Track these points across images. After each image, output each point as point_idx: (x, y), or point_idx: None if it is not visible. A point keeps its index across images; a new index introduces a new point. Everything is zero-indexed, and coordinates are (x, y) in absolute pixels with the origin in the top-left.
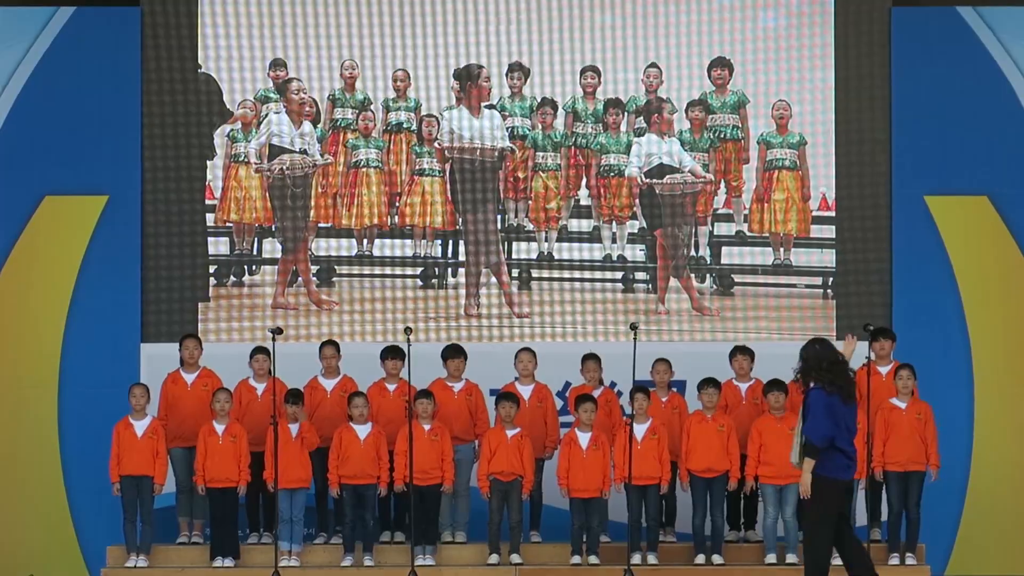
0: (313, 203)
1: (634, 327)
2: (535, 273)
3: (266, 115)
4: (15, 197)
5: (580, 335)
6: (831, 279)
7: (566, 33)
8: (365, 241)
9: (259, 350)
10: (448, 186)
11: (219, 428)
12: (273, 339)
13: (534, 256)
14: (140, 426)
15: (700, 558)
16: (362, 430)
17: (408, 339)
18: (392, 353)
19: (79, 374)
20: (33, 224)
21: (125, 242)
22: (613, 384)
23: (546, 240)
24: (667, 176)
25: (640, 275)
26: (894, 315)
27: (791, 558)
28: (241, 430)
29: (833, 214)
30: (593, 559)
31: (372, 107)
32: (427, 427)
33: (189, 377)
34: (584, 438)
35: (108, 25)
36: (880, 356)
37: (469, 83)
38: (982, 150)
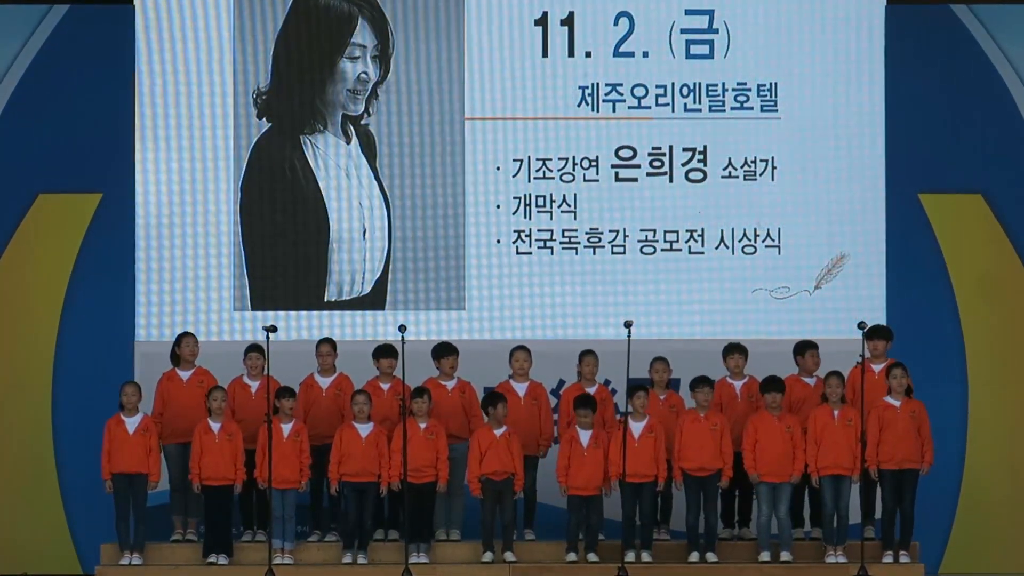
0: None
1: (628, 324)
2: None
3: None
4: (9, 195)
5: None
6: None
7: None
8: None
9: (253, 348)
10: None
11: (214, 426)
12: (267, 337)
13: None
14: (132, 423)
15: (694, 556)
16: (364, 428)
17: (402, 337)
18: (385, 352)
19: (73, 372)
20: (27, 222)
21: (119, 240)
22: (608, 382)
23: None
24: None
25: None
26: (888, 312)
27: (785, 556)
28: (236, 428)
29: None
30: (592, 556)
31: None
32: (423, 425)
33: (184, 374)
34: (585, 436)
35: (102, 23)
36: (875, 355)
37: None
38: (976, 148)
